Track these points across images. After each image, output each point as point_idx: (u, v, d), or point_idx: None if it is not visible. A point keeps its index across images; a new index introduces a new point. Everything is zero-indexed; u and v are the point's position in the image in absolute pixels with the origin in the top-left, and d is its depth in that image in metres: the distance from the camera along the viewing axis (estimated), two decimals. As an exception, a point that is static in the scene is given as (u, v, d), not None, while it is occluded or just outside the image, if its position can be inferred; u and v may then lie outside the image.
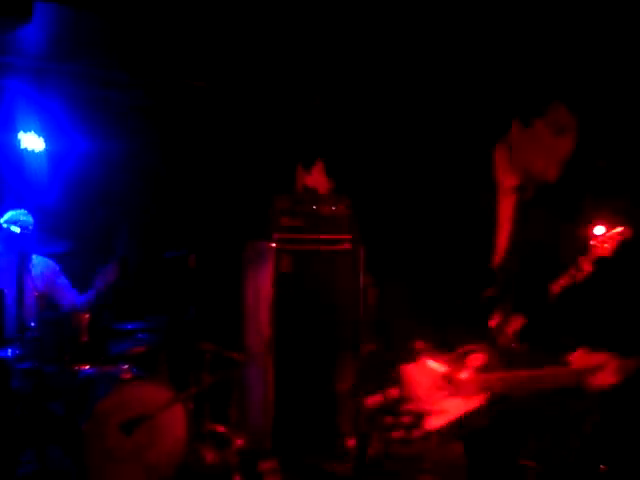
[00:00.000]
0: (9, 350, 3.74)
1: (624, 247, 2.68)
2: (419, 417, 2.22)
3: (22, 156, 4.91)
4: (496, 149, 2.22)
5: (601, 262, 3.24)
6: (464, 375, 2.20)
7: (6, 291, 3.90)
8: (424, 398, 2.22)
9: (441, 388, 2.21)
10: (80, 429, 3.55)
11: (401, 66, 4.70)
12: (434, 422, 2.22)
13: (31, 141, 4.92)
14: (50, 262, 4.41)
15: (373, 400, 2.37)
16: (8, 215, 4.18)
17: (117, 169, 5.06)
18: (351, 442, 4.36)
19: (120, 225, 4.58)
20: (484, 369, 2.20)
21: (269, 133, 5.19)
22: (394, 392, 2.25)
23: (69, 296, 4.39)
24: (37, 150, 4.95)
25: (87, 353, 3.95)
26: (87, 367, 3.93)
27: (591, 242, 3.43)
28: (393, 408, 2.25)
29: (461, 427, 2.22)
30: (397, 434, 2.25)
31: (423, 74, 4.94)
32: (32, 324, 3.85)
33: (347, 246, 4.59)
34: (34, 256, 4.32)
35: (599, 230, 3.29)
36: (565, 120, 2.07)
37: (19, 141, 4.89)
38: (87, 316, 3.96)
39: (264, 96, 5.08)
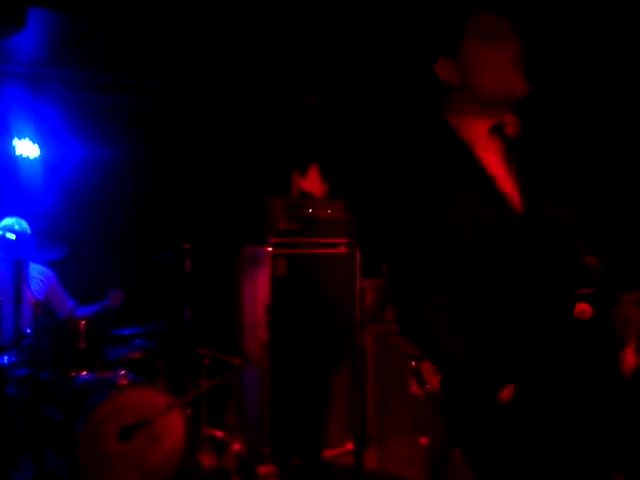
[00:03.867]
0: (5, 357, 3.74)
1: None
2: None
3: (17, 163, 4.91)
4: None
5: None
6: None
7: (2, 298, 3.89)
8: None
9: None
10: (77, 435, 3.54)
11: (393, 67, 4.72)
12: None
13: (26, 148, 4.92)
14: (47, 270, 4.41)
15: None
16: (3, 222, 4.18)
17: (112, 175, 5.06)
18: (349, 446, 4.37)
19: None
20: None
21: (264, 137, 5.20)
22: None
23: (66, 307, 4.39)
24: (32, 157, 4.96)
25: (84, 359, 3.94)
26: (84, 373, 3.92)
27: None
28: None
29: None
30: None
31: (415, 75, 4.95)
32: (28, 331, 3.84)
33: (343, 250, 4.59)
34: (30, 263, 4.32)
35: None
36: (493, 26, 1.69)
37: (14, 148, 4.90)
38: (83, 322, 3.96)
39: (258, 100, 5.09)
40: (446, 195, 1.59)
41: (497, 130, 1.68)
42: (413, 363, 3.45)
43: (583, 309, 1.60)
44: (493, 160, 1.66)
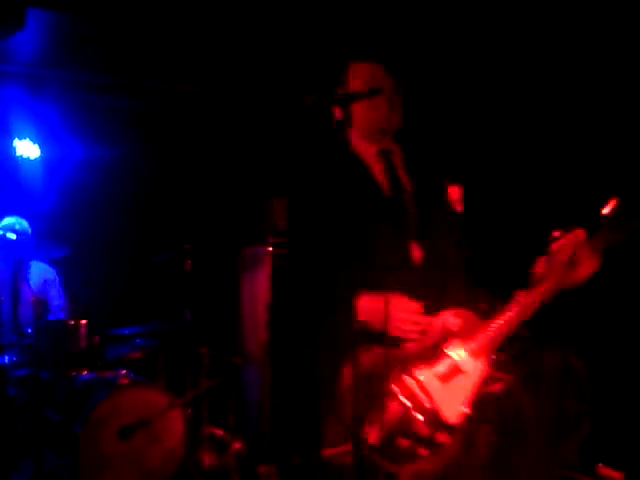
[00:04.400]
0: (6, 357, 3.74)
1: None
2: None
3: (17, 163, 4.92)
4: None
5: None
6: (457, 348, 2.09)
7: (2, 298, 3.89)
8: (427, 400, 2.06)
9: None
10: (77, 435, 3.54)
11: (393, 62, 4.72)
12: (452, 417, 2.09)
13: (26, 148, 4.93)
14: (48, 267, 4.41)
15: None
16: (3, 222, 4.19)
17: (112, 175, 5.07)
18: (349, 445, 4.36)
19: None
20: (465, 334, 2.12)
21: (264, 137, 5.20)
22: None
23: (55, 305, 4.40)
24: (32, 157, 4.96)
25: (84, 359, 3.94)
26: (84, 373, 3.93)
27: (552, 247, 3.49)
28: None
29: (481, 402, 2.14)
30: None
31: (412, 78, 4.96)
32: (29, 331, 3.84)
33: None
34: (32, 262, 4.33)
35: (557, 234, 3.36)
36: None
37: (14, 148, 4.90)
38: (84, 322, 3.96)
39: (258, 100, 5.09)
40: (344, 193, 2.10)
41: (382, 154, 2.24)
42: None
43: None
44: (378, 173, 2.22)
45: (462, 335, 2.12)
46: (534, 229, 4.12)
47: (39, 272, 4.36)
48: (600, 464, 3.88)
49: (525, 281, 3.54)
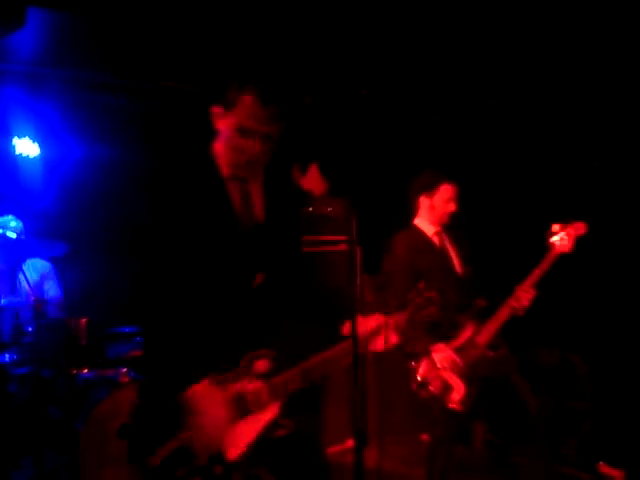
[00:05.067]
0: (6, 355, 3.74)
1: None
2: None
3: (17, 162, 4.92)
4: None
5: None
6: (253, 388, 2.05)
7: (2, 296, 3.89)
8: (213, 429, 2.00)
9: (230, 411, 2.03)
10: (78, 433, 3.54)
11: (392, 61, 4.73)
12: (232, 453, 2.01)
13: (26, 146, 4.93)
14: (44, 262, 4.41)
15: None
16: (4, 220, 4.19)
17: (111, 174, 5.07)
18: (349, 443, 4.37)
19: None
20: (271, 374, 2.08)
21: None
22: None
23: (51, 296, 4.40)
24: (32, 155, 4.96)
25: (85, 357, 3.94)
26: (85, 371, 3.92)
27: (551, 240, 3.54)
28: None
29: (263, 445, 2.05)
30: None
31: (415, 75, 4.96)
32: (29, 329, 3.84)
33: (343, 247, 4.59)
34: (31, 260, 4.33)
35: (556, 228, 3.40)
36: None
37: (14, 147, 4.90)
38: (85, 320, 3.96)
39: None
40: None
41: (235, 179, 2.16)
42: (413, 363, 3.47)
43: None
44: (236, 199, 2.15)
45: (269, 375, 2.07)
46: (532, 223, 4.17)
47: (35, 269, 4.37)
48: (600, 462, 3.90)
49: (524, 275, 3.57)
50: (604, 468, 3.85)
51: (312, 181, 4.88)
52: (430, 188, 3.77)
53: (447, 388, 3.38)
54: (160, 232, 2.06)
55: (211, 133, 2.16)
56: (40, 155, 4.99)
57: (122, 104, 5.11)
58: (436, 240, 3.80)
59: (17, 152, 4.92)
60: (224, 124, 2.09)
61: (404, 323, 2.19)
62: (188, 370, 2.00)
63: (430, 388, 3.40)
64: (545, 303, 3.71)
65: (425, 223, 3.82)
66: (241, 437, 2.01)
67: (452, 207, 3.76)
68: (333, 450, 4.49)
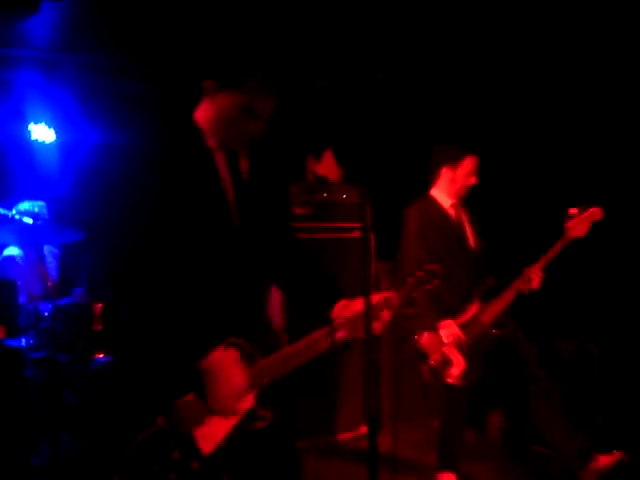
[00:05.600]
0: (23, 340, 3.77)
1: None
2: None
3: (33, 148, 4.94)
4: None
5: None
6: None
7: (19, 281, 3.92)
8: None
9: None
10: (94, 418, 3.57)
11: (408, 50, 4.69)
12: (207, 447, 1.94)
13: (42, 133, 4.95)
14: (53, 248, 4.44)
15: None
16: (21, 206, 4.21)
17: (128, 160, 5.07)
18: (362, 429, 4.38)
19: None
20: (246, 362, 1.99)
21: (278, 122, 5.18)
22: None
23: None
24: (48, 141, 4.98)
25: (101, 342, 3.97)
26: (101, 356, 3.95)
27: (567, 224, 3.51)
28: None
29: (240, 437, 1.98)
30: None
31: (430, 59, 4.92)
32: (45, 314, 3.87)
33: (358, 234, 4.58)
34: (47, 246, 4.35)
35: (573, 211, 3.37)
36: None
37: (30, 133, 4.92)
38: (100, 305, 3.98)
39: (272, 84, 5.06)
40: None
41: (230, 165, 2.11)
42: (415, 337, 3.47)
43: None
44: (228, 186, 2.09)
45: (241, 363, 1.99)
46: (548, 205, 4.12)
47: (51, 254, 4.39)
48: (615, 450, 3.87)
49: (534, 257, 3.54)
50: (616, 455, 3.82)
51: (327, 167, 4.87)
52: (454, 160, 3.70)
53: (447, 362, 3.39)
54: (155, 204, 2.04)
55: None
56: (56, 141, 5.01)
57: (138, 90, 5.10)
58: (452, 213, 3.75)
59: (33, 138, 4.93)
60: (224, 100, 2.07)
61: (397, 298, 2.14)
62: (173, 346, 1.93)
63: (430, 361, 3.41)
64: (563, 293, 3.68)
65: (442, 195, 3.75)
66: (216, 430, 1.95)
67: (473, 180, 3.71)
68: (347, 436, 4.51)
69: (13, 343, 3.72)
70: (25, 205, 4.22)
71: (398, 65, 4.77)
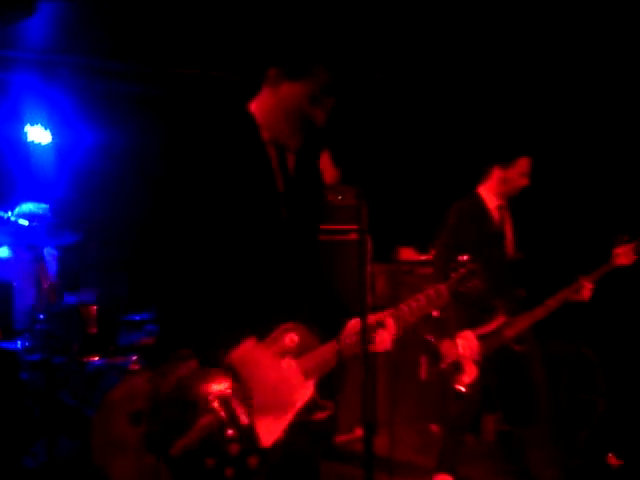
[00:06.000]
0: (19, 342, 3.77)
1: None
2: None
3: (29, 149, 4.93)
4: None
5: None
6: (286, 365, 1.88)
7: (15, 283, 3.91)
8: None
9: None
10: (90, 420, 3.57)
11: (405, 53, 4.68)
12: (266, 439, 1.81)
13: (38, 134, 4.94)
14: (54, 250, 4.43)
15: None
16: (19, 208, 4.19)
17: (123, 161, 5.07)
18: (358, 432, 4.38)
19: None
20: (299, 351, 1.92)
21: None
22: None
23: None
24: (44, 143, 4.97)
25: (96, 344, 3.96)
26: (96, 358, 3.94)
27: (615, 250, 3.41)
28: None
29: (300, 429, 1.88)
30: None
31: (427, 63, 4.92)
32: (41, 316, 3.86)
33: (354, 236, 4.58)
34: (45, 248, 4.34)
35: (623, 239, 3.30)
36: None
37: (26, 134, 4.91)
38: (95, 308, 3.98)
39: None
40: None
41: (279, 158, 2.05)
42: (432, 338, 3.40)
43: None
44: (278, 175, 2.04)
45: (297, 352, 1.92)
46: (594, 228, 3.98)
47: (51, 257, 4.38)
48: (610, 453, 3.88)
49: (571, 275, 3.40)
50: (613, 460, 3.83)
51: (323, 169, 4.85)
52: (507, 159, 3.52)
53: (458, 369, 3.33)
54: (200, 194, 1.91)
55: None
56: (52, 143, 5.00)
57: (134, 91, 5.10)
58: (496, 214, 3.58)
59: (29, 140, 4.93)
60: (290, 89, 1.98)
61: (444, 292, 2.08)
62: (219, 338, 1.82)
63: (442, 365, 3.36)
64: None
65: (490, 194, 3.58)
66: (275, 422, 1.83)
67: (525, 182, 3.54)
68: (343, 438, 4.51)
69: (8, 345, 3.72)
70: (29, 206, 4.20)
71: (396, 66, 4.77)
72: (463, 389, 3.33)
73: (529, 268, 3.60)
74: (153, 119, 5.08)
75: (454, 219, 3.52)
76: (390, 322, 2.03)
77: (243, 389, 1.82)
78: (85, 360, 3.90)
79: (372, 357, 1.91)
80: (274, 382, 1.84)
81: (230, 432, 1.77)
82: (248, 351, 1.82)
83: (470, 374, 3.32)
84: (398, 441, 3.87)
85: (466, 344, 3.33)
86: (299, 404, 1.88)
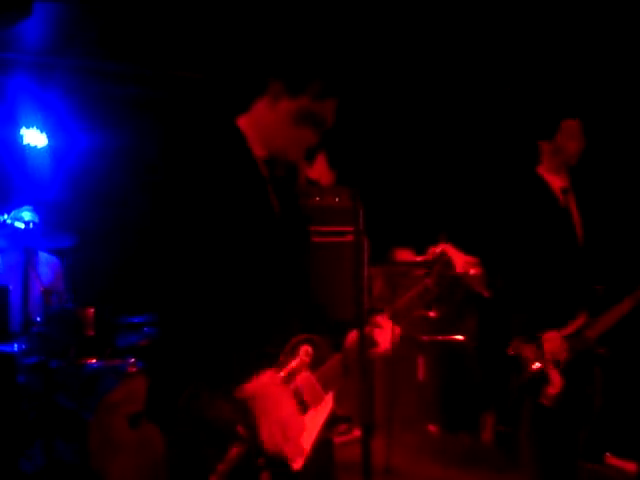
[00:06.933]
0: (15, 345, 3.75)
1: None
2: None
3: (25, 152, 4.92)
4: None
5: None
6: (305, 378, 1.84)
7: (11, 287, 3.91)
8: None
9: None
10: (87, 423, 3.56)
11: (400, 55, 4.69)
12: (298, 462, 1.76)
13: (34, 137, 4.93)
14: (53, 258, 4.42)
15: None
16: (14, 212, 4.19)
17: (119, 164, 5.06)
18: (356, 433, 4.37)
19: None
20: (317, 362, 1.87)
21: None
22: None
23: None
24: (40, 146, 4.96)
25: (93, 347, 3.96)
26: (93, 361, 3.94)
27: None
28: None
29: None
30: None
31: (422, 63, 4.93)
32: (38, 319, 3.86)
33: (350, 238, 4.58)
34: (39, 252, 4.34)
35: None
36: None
37: (22, 137, 4.90)
38: (92, 310, 3.97)
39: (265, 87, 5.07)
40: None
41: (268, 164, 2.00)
42: (512, 346, 2.95)
43: None
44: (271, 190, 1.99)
45: (313, 364, 1.86)
46: None
47: (46, 262, 4.38)
48: (608, 453, 3.88)
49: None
50: (613, 460, 3.83)
51: (319, 171, 4.87)
52: (549, 131, 3.11)
53: (543, 379, 2.90)
54: (198, 210, 1.86)
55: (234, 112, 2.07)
56: (48, 145, 4.99)
57: (130, 94, 5.10)
58: (561, 198, 3.11)
59: (25, 142, 4.92)
60: (288, 105, 1.93)
61: (404, 306, 2.06)
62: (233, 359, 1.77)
63: (526, 374, 2.91)
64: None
65: (551, 173, 3.12)
66: (304, 440, 1.79)
67: (578, 144, 3.10)
68: (340, 440, 4.51)
69: (5, 348, 3.71)
70: (18, 210, 4.20)
71: (390, 68, 4.78)
72: (548, 403, 2.88)
73: (605, 257, 3.17)
74: (149, 122, 5.08)
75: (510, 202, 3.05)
76: (386, 322, 2.03)
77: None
78: (82, 363, 3.90)
79: (372, 360, 1.91)
80: (288, 415, 1.78)
81: (260, 460, 1.73)
82: (263, 385, 1.76)
83: (555, 385, 2.88)
84: (395, 442, 3.88)
85: (553, 345, 2.88)
86: (321, 420, 1.86)
